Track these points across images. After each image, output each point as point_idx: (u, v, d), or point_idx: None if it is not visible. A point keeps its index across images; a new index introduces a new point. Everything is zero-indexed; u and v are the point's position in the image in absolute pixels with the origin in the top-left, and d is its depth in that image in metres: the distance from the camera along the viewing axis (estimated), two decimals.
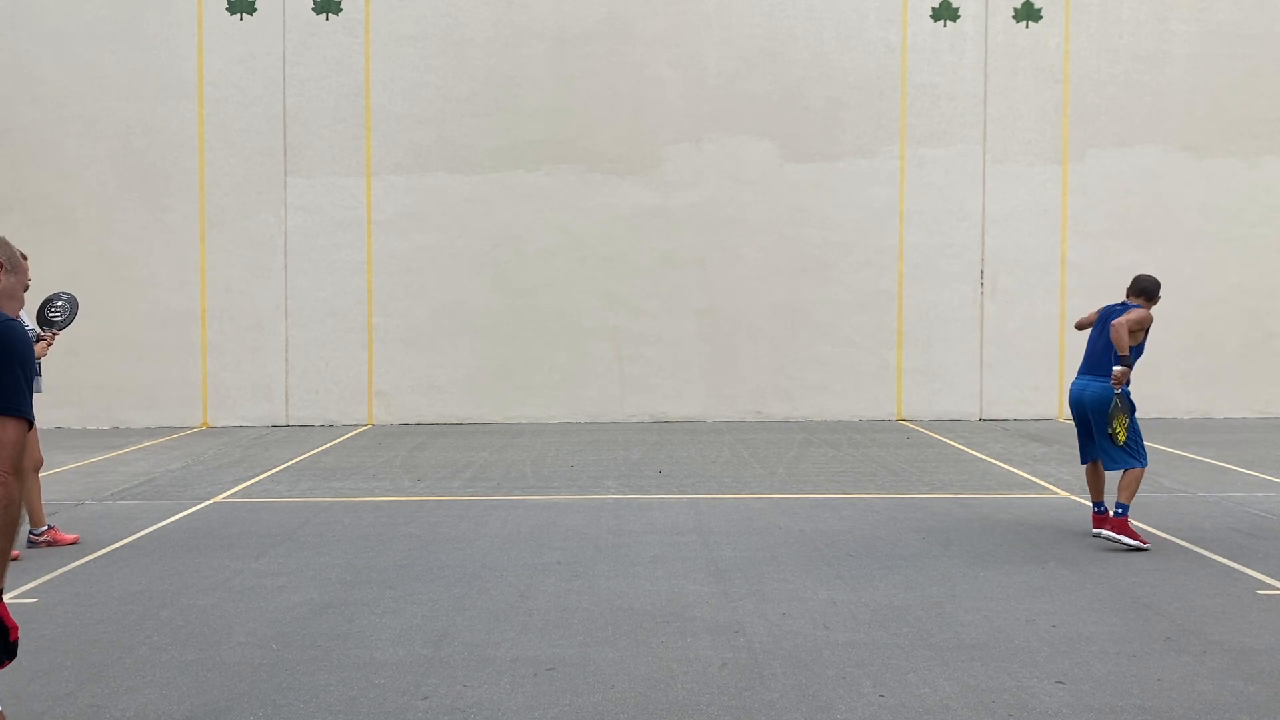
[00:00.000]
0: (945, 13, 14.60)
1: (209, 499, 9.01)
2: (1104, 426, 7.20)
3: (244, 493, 9.37)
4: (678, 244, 14.63)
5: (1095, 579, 6.33)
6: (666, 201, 14.62)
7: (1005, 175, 14.64)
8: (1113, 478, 7.71)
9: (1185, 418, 14.50)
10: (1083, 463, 7.61)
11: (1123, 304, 7.83)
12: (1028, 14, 14.59)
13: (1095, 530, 7.24)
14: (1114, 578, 6.35)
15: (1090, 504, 7.55)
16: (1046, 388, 14.69)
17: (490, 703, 4.43)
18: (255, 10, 14.44)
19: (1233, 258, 14.62)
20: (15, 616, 2.47)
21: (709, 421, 14.48)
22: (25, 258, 2.93)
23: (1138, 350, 7.46)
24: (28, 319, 6.79)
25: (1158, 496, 8.96)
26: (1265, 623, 5.48)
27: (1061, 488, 9.36)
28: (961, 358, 14.57)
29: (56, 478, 10.28)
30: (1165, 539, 7.37)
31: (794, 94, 14.60)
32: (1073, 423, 7.71)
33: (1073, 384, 7.59)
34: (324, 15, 14.49)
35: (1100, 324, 7.74)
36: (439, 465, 10.81)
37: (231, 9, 14.43)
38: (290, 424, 14.41)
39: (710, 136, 14.62)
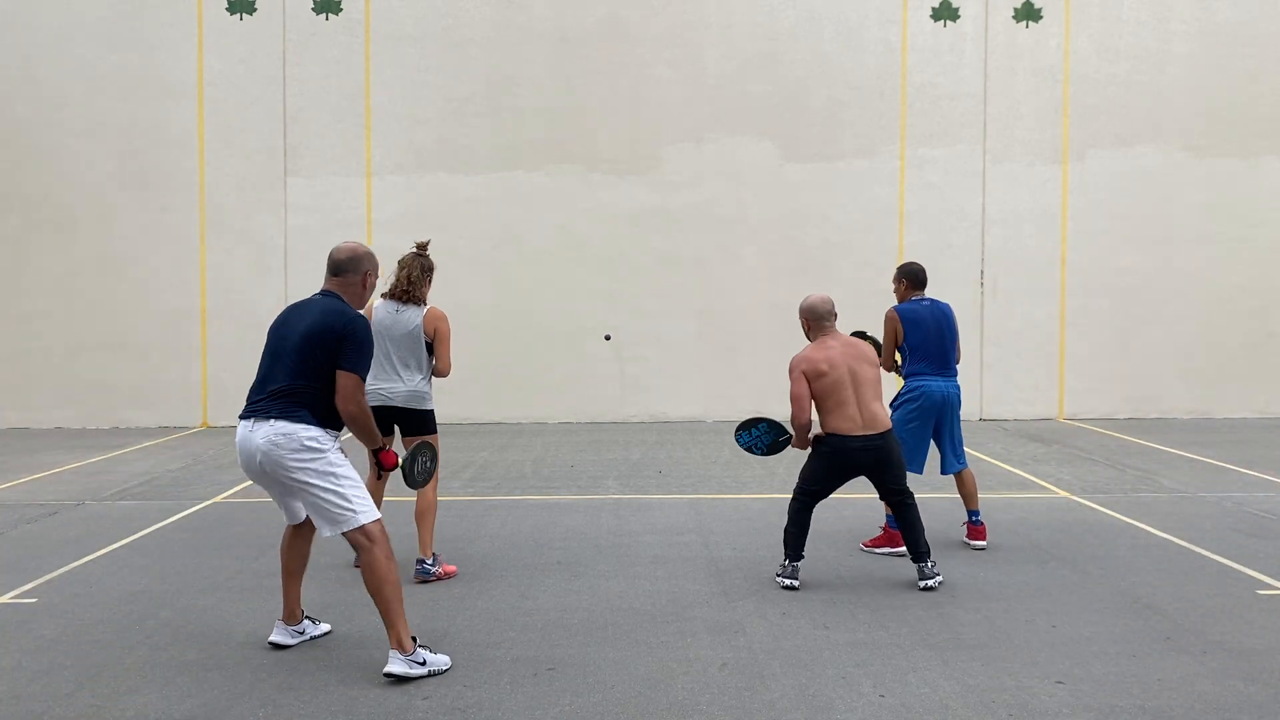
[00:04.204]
0: (945, 13, 14.60)
1: (209, 499, 9.01)
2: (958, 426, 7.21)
3: (244, 493, 9.36)
4: (678, 244, 14.63)
5: (1095, 579, 6.33)
6: (666, 201, 14.62)
7: (1005, 175, 14.64)
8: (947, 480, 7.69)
9: (1185, 418, 14.50)
10: (947, 473, 7.20)
11: (932, 300, 7.41)
12: (1028, 14, 14.59)
13: (978, 542, 7.10)
14: (1114, 578, 6.35)
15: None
16: (1046, 388, 14.69)
17: (490, 703, 4.43)
18: (255, 10, 14.45)
19: (1233, 258, 14.62)
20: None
21: (709, 421, 14.48)
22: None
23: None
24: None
25: (1158, 496, 8.97)
26: (1265, 623, 5.48)
27: (1061, 488, 9.36)
28: (961, 357, 14.55)
29: (56, 478, 10.28)
30: (1165, 539, 7.37)
31: (794, 94, 14.60)
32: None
33: (935, 384, 7.03)
34: (324, 15, 14.49)
35: (939, 322, 7.27)
36: (440, 465, 10.80)
37: (231, 9, 14.43)
38: None
39: (710, 136, 14.62)
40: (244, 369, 15.32)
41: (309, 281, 14.40)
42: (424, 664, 4.71)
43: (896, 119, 14.59)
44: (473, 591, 6.10)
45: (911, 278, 7.31)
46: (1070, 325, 14.66)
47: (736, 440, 6.67)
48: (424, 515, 6.40)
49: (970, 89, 14.60)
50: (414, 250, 6.53)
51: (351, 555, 6.88)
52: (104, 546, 7.27)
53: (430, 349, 6.46)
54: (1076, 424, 14.14)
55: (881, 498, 6.31)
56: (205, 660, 4.94)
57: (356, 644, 5.18)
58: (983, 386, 14.63)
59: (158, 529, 7.83)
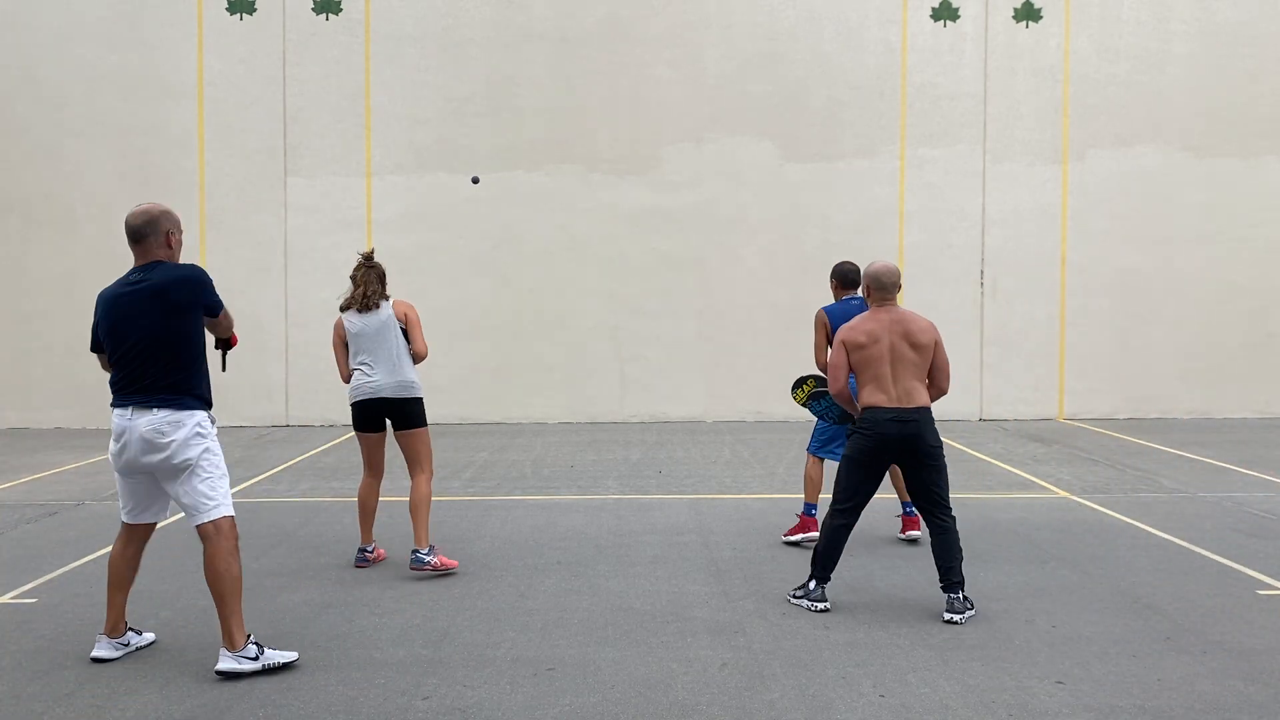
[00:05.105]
0: (945, 13, 14.60)
1: None
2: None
3: (244, 493, 9.37)
4: (678, 244, 14.62)
5: (1095, 579, 6.33)
6: (666, 201, 14.62)
7: (1005, 175, 14.64)
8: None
9: (1185, 418, 14.50)
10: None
11: (861, 299, 6.89)
12: (1028, 14, 14.59)
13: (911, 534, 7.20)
14: (1114, 578, 6.35)
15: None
16: (1046, 388, 14.69)
17: (490, 703, 4.43)
18: (255, 10, 14.44)
19: (1233, 258, 14.62)
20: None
21: (709, 421, 14.47)
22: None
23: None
24: None
25: (1158, 496, 8.97)
26: (1265, 623, 5.48)
27: (1061, 488, 9.36)
28: (961, 358, 14.54)
29: (57, 478, 10.28)
30: (1165, 539, 7.37)
31: (794, 94, 14.60)
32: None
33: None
34: (324, 15, 14.49)
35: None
36: (439, 465, 10.79)
37: (231, 9, 14.43)
38: (290, 424, 14.41)
39: (710, 136, 14.62)
40: (244, 368, 15.32)
41: (309, 281, 14.42)
42: (255, 658, 4.72)
43: (896, 119, 14.59)
44: (473, 591, 6.10)
45: (842, 277, 7.21)
46: (1070, 325, 14.66)
47: (809, 409, 6.84)
48: (418, 508, 6.46)
49: (970, 89, 14.60)
50: (362, 260, 6.66)
51: (351, 556, 6.89)
52: (104, 546, 7.26)
53: (406, 336, 6.60)
54: (1076, 424, 14.15)
55: (915, 503, 5.87)
56: (205, 660, 4.93)
57: (356, 644, 5.18)
58: (983, 386, 14.64)
59: (158, 529, 7.82)
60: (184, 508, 4.83)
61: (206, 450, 4.79)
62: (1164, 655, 4.98)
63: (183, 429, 4.73)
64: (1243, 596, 5.96)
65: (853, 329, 5.80)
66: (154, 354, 4.76)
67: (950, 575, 5.59)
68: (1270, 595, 6.01)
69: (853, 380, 6.28)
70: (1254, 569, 6.53)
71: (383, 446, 6.81)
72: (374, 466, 6.83)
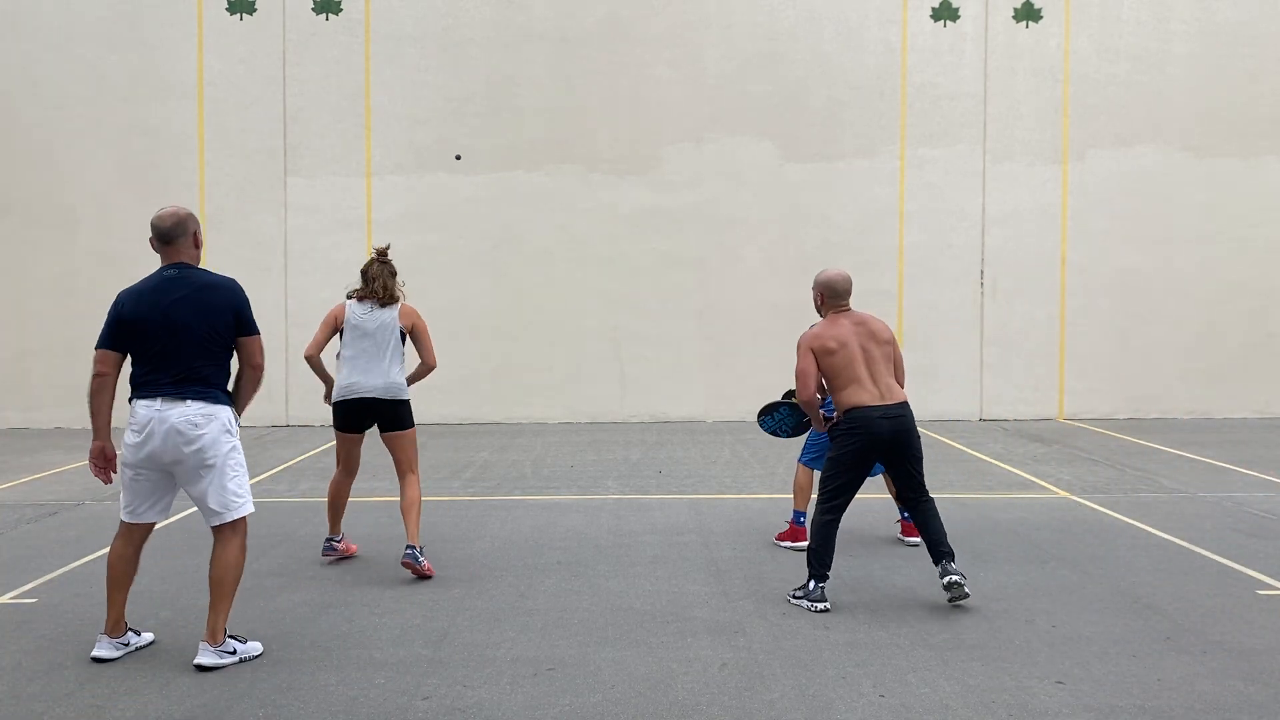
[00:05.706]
0: (945, 13, 14.60)
1: None
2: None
3: None
4: (678, 244, 14.62)
5: (1095, 579, 6.33)
6: (666, 201, 14.62)
7: (1005, 175, 14.64)
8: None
9: (1185, 418, 14.50)
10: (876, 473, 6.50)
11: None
12: (1028, 14, 14.59)
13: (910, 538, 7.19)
14: (1114, 578, 6.35)
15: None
16: (1046, 388, 14.69)
17: (490, 703, 4.43)
18: (255, 10, 14.45)
19: (1233, 258, 14.62)
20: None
21: (709, 421, 14.47)
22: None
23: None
24: None
25: (1158, 496, 8.97)
26: (1265, 623, 5.48)
27: (1061, 488, 9.36)
28: (961, 358, 14.57)
29: (57, 478, 10.28)
30: (1165, 539, 7.37)
31: (794, 94, 14.60)
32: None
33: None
34: (324, 15, 14.49)
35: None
36: (439, 465, 10.80)
37: (231, 9, 14.43)
38: (290, 424, 14.40)
39: (710, 136, 14.62)
40: None
41: (309, 281, 14.42)
42: (234, 653, 4.88)
43: (896, 119, 14.59)
44: (473, 591, 6.10)
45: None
46: (1070, 325, 14.66)
47: (760, 425, 6.97)
48: (410, 509, 6.41)
49: (970, 89, 14.60)
50: (375, 256, 6.64)
51: (352, 556, 6.88)
52: (104, 546, 7.24)
53: (404, 340, 6.62)
54: (1076, 424, 14.15)
55: (899, 497, 6.00)
56: None
57: (356, 644, 5.18)
58: (983, 386, 14.64)
59: (158, 529, 7.81)
60: (208, 508, 4.87)
61: (234, 449, 4.90)
62: (1164, 655, 4.98)
63: (215, 422, 4.81)
64: (1243, 596, 5.96)
65: (820, 336, 5.86)
66: (191, 347, 4.81)
67: (939, 546, 5.79)
68: (1270, 595, 6.01)
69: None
70: (1254, 569, 6.53)
71: (360, 446, 6.77)
72: (350, 466, 6.77)
